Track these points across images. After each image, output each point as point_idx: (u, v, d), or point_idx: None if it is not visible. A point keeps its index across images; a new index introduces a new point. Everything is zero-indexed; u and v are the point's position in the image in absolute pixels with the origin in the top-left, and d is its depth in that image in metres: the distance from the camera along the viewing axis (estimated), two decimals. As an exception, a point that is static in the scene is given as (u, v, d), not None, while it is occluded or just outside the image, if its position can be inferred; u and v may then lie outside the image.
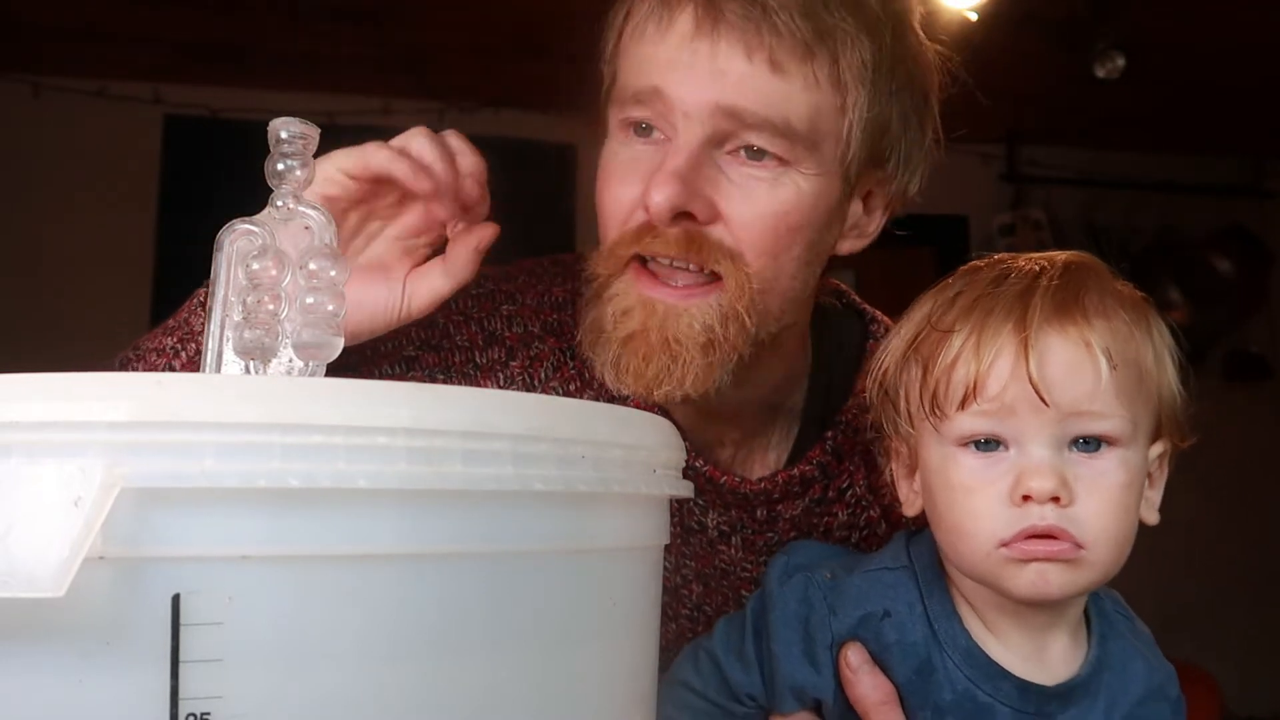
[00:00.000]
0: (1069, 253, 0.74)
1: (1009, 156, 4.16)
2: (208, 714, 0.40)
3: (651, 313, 0.80)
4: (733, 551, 0.95)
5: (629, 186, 0.82)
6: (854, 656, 0.72)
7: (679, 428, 0.90)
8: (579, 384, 0.94)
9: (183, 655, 0.40)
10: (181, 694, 0.40)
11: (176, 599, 0.40)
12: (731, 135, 0.79)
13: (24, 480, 0.39)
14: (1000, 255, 0.75)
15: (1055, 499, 0.65)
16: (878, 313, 1.00)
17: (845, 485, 0.95)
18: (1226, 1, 2.89)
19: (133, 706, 0.40)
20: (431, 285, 0.83)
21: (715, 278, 0.81)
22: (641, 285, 0.81)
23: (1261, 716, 3.82)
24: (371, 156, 0.77)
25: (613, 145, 0.85)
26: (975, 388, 0.67)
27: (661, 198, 0.77)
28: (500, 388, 0.94)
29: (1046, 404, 0.65)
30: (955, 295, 0.72)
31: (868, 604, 0.74)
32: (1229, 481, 3.79)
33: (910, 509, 0.77)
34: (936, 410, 0.69)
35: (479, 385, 0.89)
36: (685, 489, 0.59)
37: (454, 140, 0.82)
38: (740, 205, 0.80)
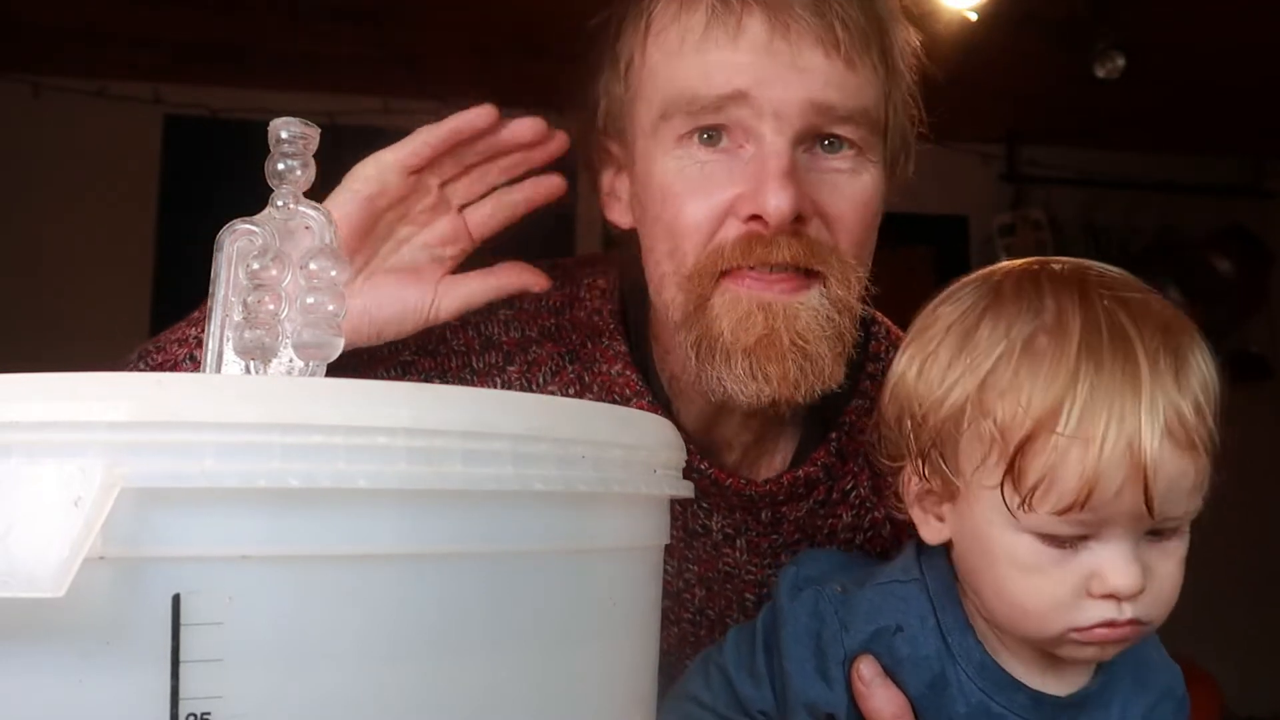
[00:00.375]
0: (1160, 309, 0.68)
1: (1009, 156, 4.16)
2: (208, 714, 0.40)
3: (771, 314, 0.79)
4: (737, 554, 0.94)
5: (711, 199, 0.80)
6: (867, 670, 0.71)
7: (686, 432, 0.90)
8: (578, 388, 0.93)
9: (183, 655, 0.40)
10: (181, 694, 0.40)
11: (176, 599, 0.40)
12: (816, 131, 0.80)
13: (24, 480, 0.39)
14: (1029, 269, 0.71)
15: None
16: (877, 313, 1.00)
17: (849, 487, 0.94)
18: (1226, 1, 2.89)
19: (133, 706, 0.40)
20: (465, 291, 0.84)
21: (811, 273, 0.80)
22: (750, 290, 0.79)
23: (1261, 716, 3.82)
24: (419, 135, 0.77)
25: (674, 161, 0.81)
26: (1086, 500, 0.62)
27: (783, 203, 0.76)
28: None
29: (1154, 517, 0.63)
30: (1025, 348, 0.65)
31: (880, 618, 0.73)
32: (1229, 481, 3.79)
33: (933, 538, 0.73)
34: (1026, 505, 0.64)
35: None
36: (685, 489, 0.59)
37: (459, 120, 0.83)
38: (833, 198, 0.80)
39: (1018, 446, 0.64)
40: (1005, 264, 0.74)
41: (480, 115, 0.77)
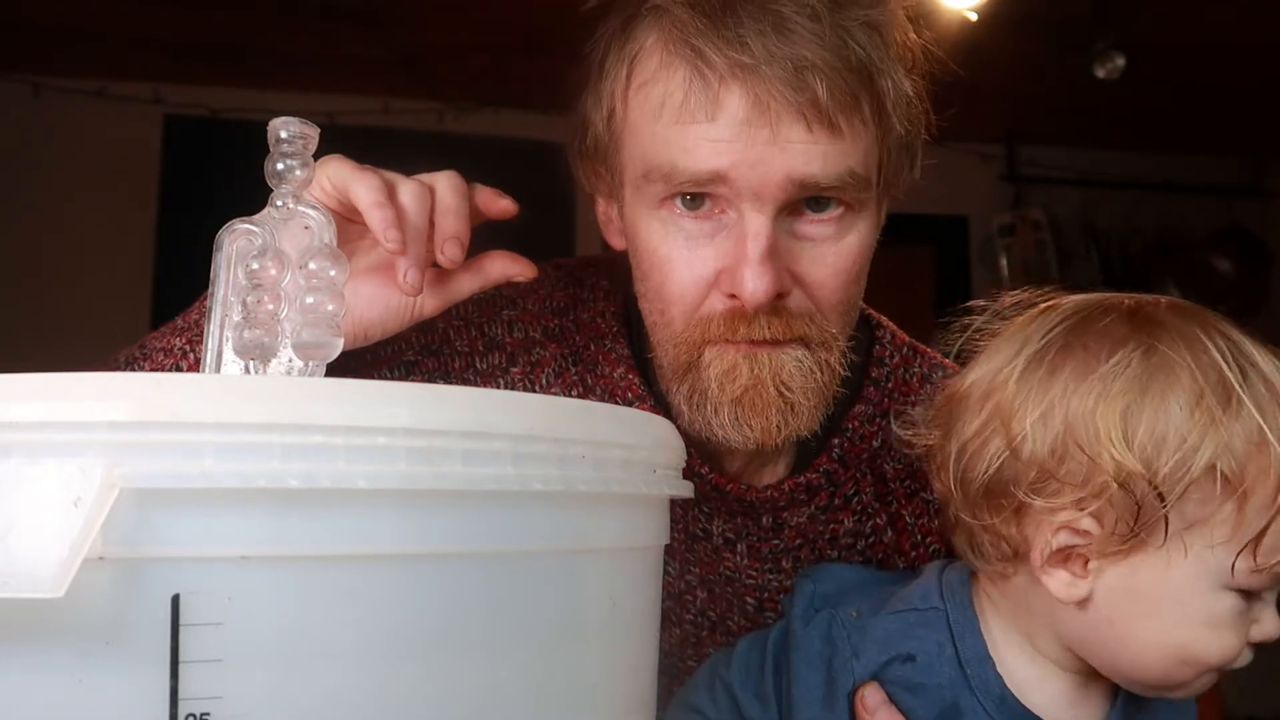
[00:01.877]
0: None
1: (1009, 156, 4.16)
2: (207, 714, 0.40)
3: (756, 363, 0.80)
4: (737, 559, 0.94)
5: (694, 269, 0.80)
6: (871, 698, 0.71)
7: (687, 436, 0.90)
8: (581, 390, 0.93)
9: (183, 655, 0.40)
10: (181, 694, 0.40)
11: (176, 599, 0.40)
12: (800, 198, 0.79)
13: (24, 480, 0.39)
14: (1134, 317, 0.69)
15: None
16: (883, 317, 1.00)
17: (851, 492, 0.94)
18: (1226, 1, 2.90)
19: (133, 706, 0.40)
20: (449, 288, 0.82)
21: (795, 338, 0.81)
22: (736, 349, 0.81)
23: (1261, 716, 3.82)
24: (356, 185, 0.74)
25: (659, 224, 0.81)
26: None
27: (758, 289, 0.76)
28: None
29: None
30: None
31: (892, 648, 0.72)
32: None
33: (1068, 595, 0.67)
34: (1255, 563, 0.62)
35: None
36: (685, 489, 0.59)
37: (450, 198, 0.78)
38: (813, 268, 0.80)
39: (1244, 489, 0.62)
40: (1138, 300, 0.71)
41: (392, 239, 0.73)
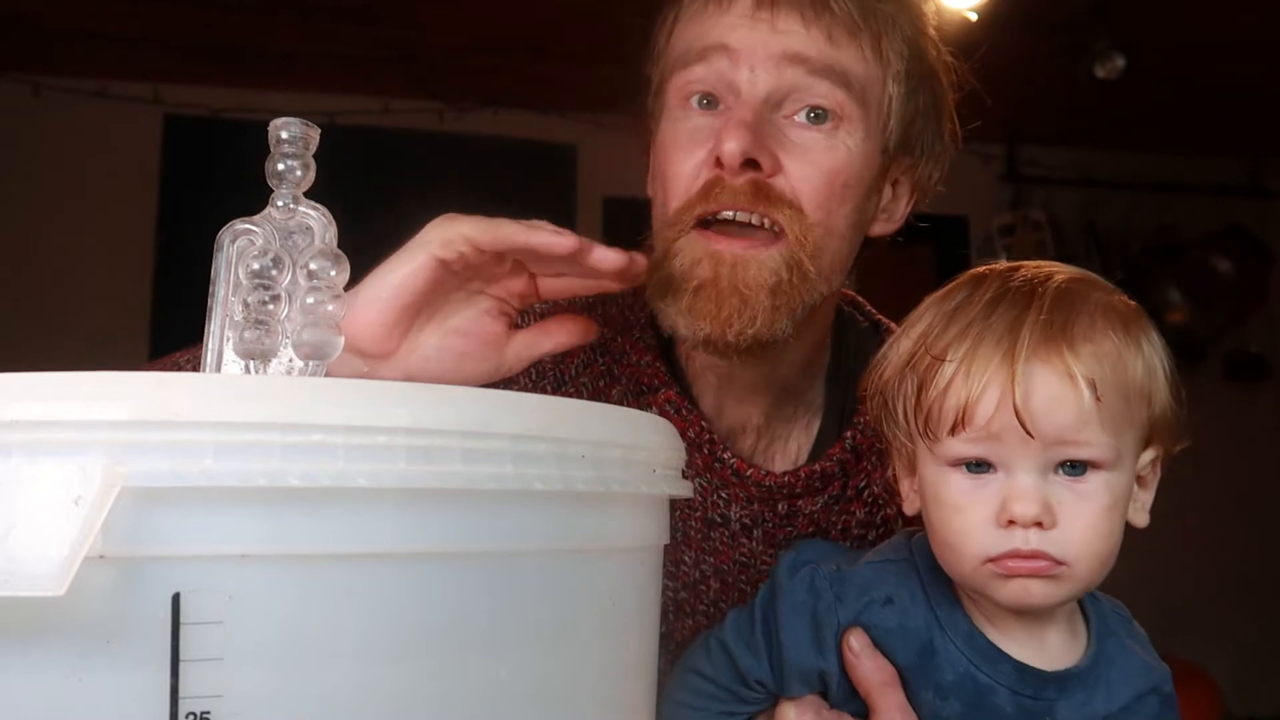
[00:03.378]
0: (1067, 271, 0.75)
1: (1009, 156, 4.16)
2: (207, 713, 0.40)
3: (719, 262, 0.83)
4: (754, 544, 0.97)
5: (693, 154, 0.86)
6: (856, 641, 0.75)
7: (708, 421, 0.94)
8: (607, 380, 0.97)
9: (183, 654, 0.40)
10: (181, 693, 0.40)
11: (176, 598, 0.40)
12: (793, 92, 0.85)
13: (24, 480, 0.39)
14: (1003, 266, 0.76)
15: (1038, 523, 0.69)
16: (892, 324, 1.02)
17: (863, 484, 0.97)
18: (1226, 1, 2.90)
19: (133, 705, 0.40)
20: (529, 356, 0.82)
21: (776, 235, 0.84)
22: (708, 240, 0.84)
23: (1261, 716, 3.83)
24: (503, 229, 0.75)
25: (672, 119, 0.89)
26: (965, 416, 0.69)
27: (734, 144, 0.81)
28: (531, 383, 0.95)
29: (1031, 435, 0.68)
30: (953, 312, 0.74)
31: (871, 591, 0.77)
32: (1229, 481, 3.80)
33: (909, 507, 0.79)
34: (929, 433, 0.72)
35: (511, 381, 0.88)
36: (685, 489, 0.59)
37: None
38: (800, 159, 0.85)
39: (920, 379, 0.73)
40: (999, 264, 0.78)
41: (563, 244, 0.74)
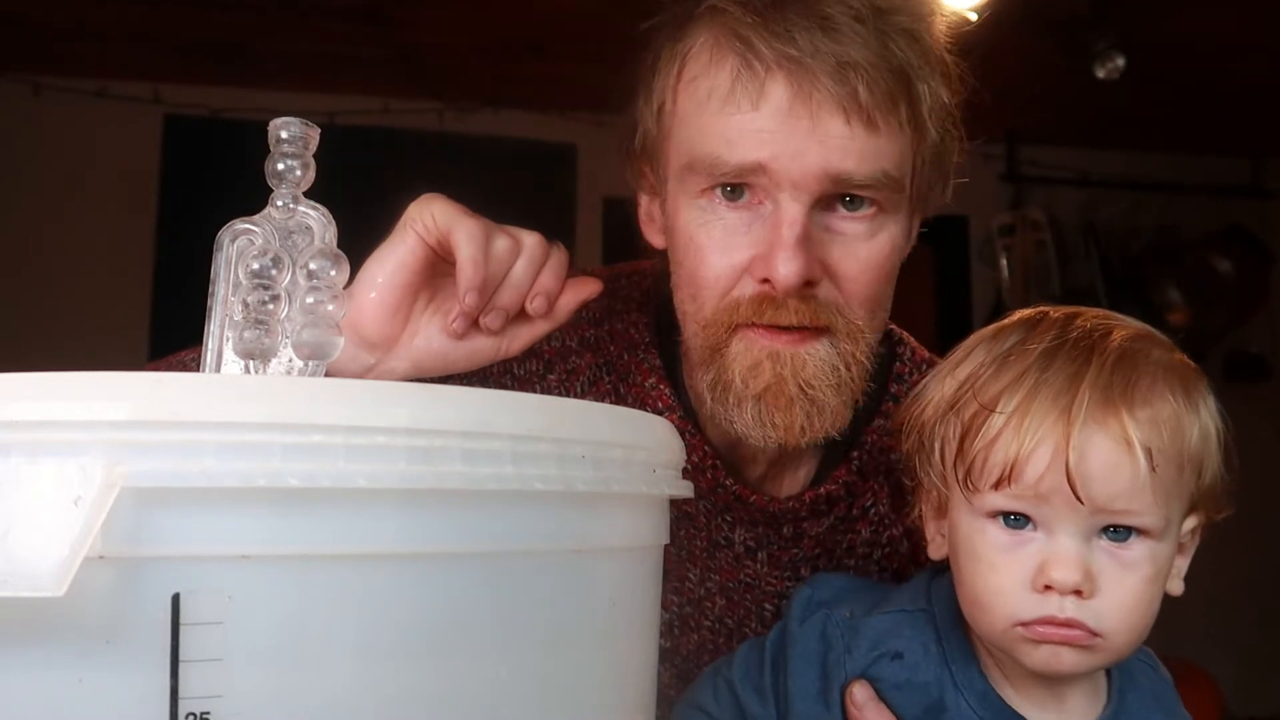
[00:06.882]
0: (1128, 326, 0.72)
1: (1009, 156, 4.16)
2: (207, 713, 0.40)
3: (779, 362, 0.82)
4: (758, 566, 0.96)
5: (730, 256, 0.82)
6: (859, 694, 0.73)
7: (713, 447, 0.92)
8: (614, 398, 0.95)
9: (183, 655, 0.40)
10: (181, 693, 0.40)
11: (176, 598, 0.40)
12: (835, 194, 0.81)
13: (24, 480, 0.39)
14: (1059, 313, 0.73)
15: (1077, 591, 0.65)
16: (905, 333, 1.01)
17: (869, 504, 0.96)
18: (1226, 2, 2.89)
19: (133, 706, 0.40)
20: (531, 332, 0.83)
21: (820, 328, 0.82)
22: (761, 339, 0.82)
23: (1261, 716, 3.82)
24: (459, 232, 0.75)
25: (696, 209, 0.83)
26: (1012, 473, 0.66)
27: (791, 273, 0.78)
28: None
29: (1081, 501, 0.64)
30: (1004, 357, 0.70)
31: (882, 645, 0.75)
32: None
33: (935, 552, 0.76)
34: (970, 484, 0.68)
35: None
36: (685, 489, 0.59)
37: (539, 251, 0.80)
38: (845, 261, 0.82)
39: (965, 426, 0.69)
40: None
41: (464, 282, 0.75)
